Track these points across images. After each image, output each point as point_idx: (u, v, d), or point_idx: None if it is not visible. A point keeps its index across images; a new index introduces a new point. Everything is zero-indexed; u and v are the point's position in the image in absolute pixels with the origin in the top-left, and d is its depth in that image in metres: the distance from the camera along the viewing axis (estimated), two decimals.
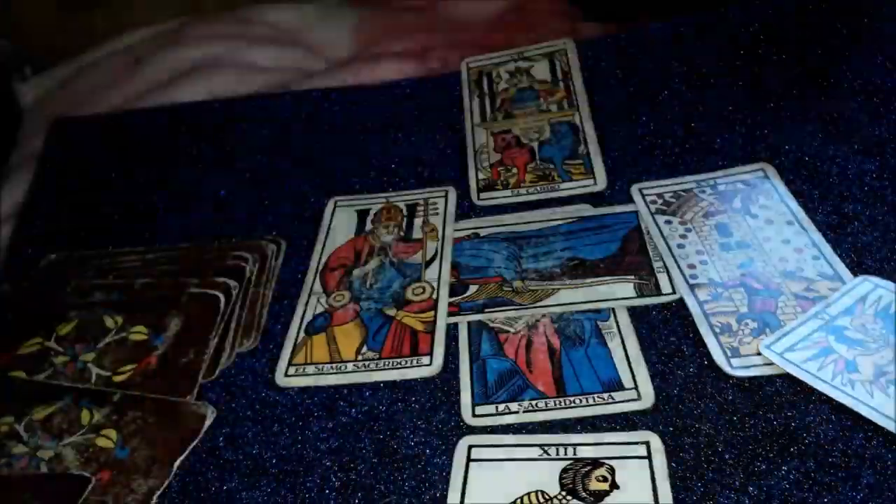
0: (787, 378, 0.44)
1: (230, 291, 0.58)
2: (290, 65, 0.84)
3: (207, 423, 0.48)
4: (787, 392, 0.43)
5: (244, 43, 0.85)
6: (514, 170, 0.65)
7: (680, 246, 0.54)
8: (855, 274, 0.49)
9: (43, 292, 0.62)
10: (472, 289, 0.55)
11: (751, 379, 0.44)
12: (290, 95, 0.75)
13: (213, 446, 0.48)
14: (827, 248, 0.51)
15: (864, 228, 0.53)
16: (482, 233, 0.60)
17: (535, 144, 0.67)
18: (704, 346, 0.47)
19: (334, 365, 0.52)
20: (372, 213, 0.64)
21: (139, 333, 0.56)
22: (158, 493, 0.45)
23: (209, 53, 0.83)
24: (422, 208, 0.63)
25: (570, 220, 0.59)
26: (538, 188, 0.63)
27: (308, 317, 0.56)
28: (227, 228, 0.66)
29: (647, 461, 0.41)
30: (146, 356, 0.54)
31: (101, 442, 0.48)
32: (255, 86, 0.81)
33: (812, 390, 0.43)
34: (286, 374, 0.52)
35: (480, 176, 0.65)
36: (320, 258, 0.61)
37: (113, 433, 0.48)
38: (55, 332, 0.57)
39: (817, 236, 0.53)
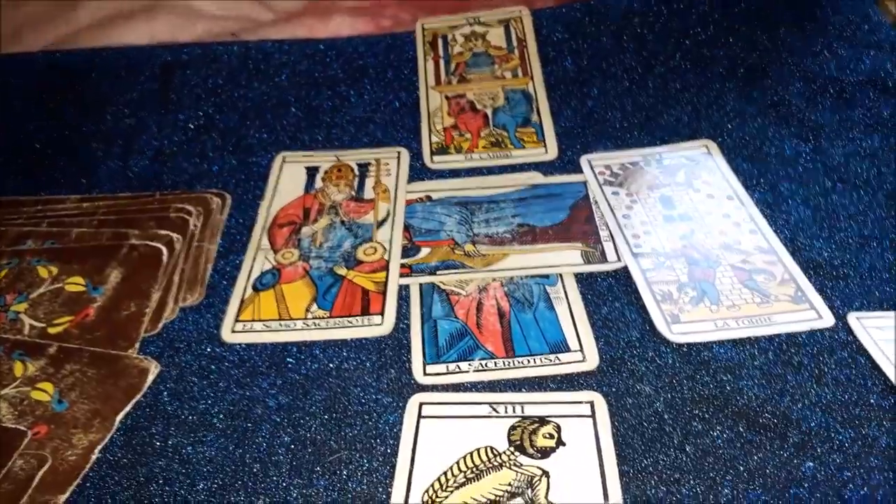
0: (723, 345, 0.46)
1: (173, 244, 0.57)
2: (235, 13, 0.81)
3: (151, 377, 0.47)
4: (722, 358, 0.45)
5: None
6: (468, 135, 0.65)
7: (625, 216, 0.56)
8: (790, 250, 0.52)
9: None
10: (424, 251, 0.55)
11: (689, 345, 0.46)
12: (239, 44, 0.73)
13: (156, 401, 0.47)
14: (763, 223, 0.54)
15: (798, 207, 0.56)
16: (434, 196, 0.60)
17: (489, 110, 0.67)
18: (647, 312, 0.49)
19: (283, 322, 0.51)
20: (321, 170, 0.63)
21: (76, 284, 0.54)
22: (100, 447, 0.43)
23: None
24: (373, 168, 0.63)
25: (522, 187, 0.60)
26: (491, 154, 0.63)
27: (255, 273, 0.55)
28: (168, 179, 0.64)
29: (591, 420, 0.42)
30: (84, 308, 0.53)
31: (37, 395, 0.46)
32: (199, 33, 0.78)
33: (745, 357, 0.45)
34: (233, 330, 0.51)
35: (434, 139, 0.65)
36: (267, 214, 0.60)
37: (49, 386, 0.46)
38: None
39: (755, 211, 0.55)
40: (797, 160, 0.59)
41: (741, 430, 0.41)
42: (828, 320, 0.47)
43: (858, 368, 0.44)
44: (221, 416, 0.46)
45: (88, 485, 0.43)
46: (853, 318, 0.47)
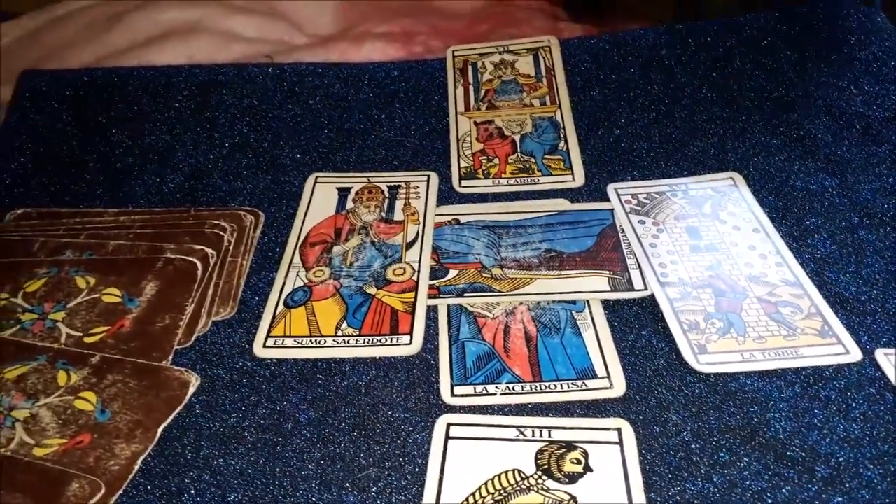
0: (749, 376, 0.47)
1: (208, 259, 0.58)
2: (270, 36, 0.83)
3: (192, 389, 0.48)
4: (749, 390, 0.46)
5: (224, 10, 0.84)
6: (496, 160, 0.67)
7: (652, 245, 0.57)
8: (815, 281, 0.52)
9: (9, 248, 0.60)
10: (452, 273, 0.56)
11: (716, 375, 0.47)
12: (274, 67, 0.74)
13: (188, 412, 0.48)
14: (790, 256, 0.55)
15: (824, 241, 0.56)
16: (462, 219, 0.61)
17: (517, 137, 0.69)
18: (673, 341, 0.49)
19: (313, 339, 0.52)
20: (353, 191, 0.65)
21: (112, 295, 0.55)
22: (142, 457, 0.44)
23: (188, 17, 0.82)
24: (403, 191, 0.64)
25: (549, 213, 0.61)
26: (518, 180, 0.64)
27: (287, 290, 0.56)
28: (202, 196, 0.65)
29: (618, 447, 0.43)
30: (119, 319, 0.54)
31: (80, 404, 0.47)
32: (234, 55, 0.80)
33: (772, 390, 0.46)
34: (264, 345, 0.52)
35: (462, 164, 0.66)
36: (300, 232, 0.61)
37: (92, 396, 0.47)
38: (22, 289, 0.56)
39: (781, 244, 0.56)
40: (823, 195, 0.60)
41: (769, 462, 0.41)
42: (855, 355, 0.47)
43: (886, 405, 0.44)
44: (252, 429, 0.47)
45: (120, 492, 0.43)
46: (881, 354, 0.47)
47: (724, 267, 0.54)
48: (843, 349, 0.48)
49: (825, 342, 0.48)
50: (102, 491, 0.43)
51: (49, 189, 0.66)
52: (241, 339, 0.53)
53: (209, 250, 0.58)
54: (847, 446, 0.42)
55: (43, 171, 0.67)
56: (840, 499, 0.39)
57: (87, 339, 0.52)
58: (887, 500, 0.39)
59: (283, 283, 0.57)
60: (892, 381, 0.45)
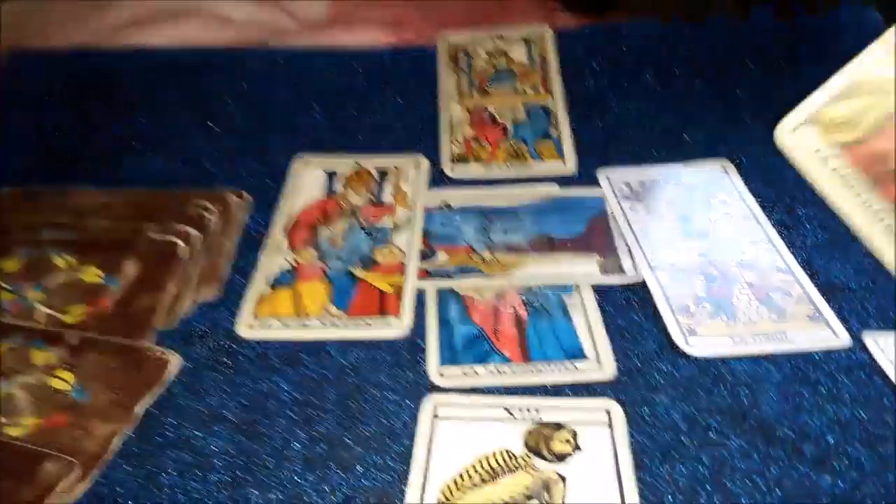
0: (739, 360, 0.46)
1: (190, 239, 0.57)
2: (262, 21, 0.82)
3: (172, 369, 0.47)
4: (739, 372, 0.45)
5: None
6: (487, 146, 0.66)
7: (643, 231, 0.56)
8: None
9: None
10: (441, 256, 0.56)
11: (706, 359, 0.46)
12: (268, 51, 0.74)
13: (169, 392, 0.47)
14: (780, 244, 0.54)
15: (815, 230, 0.56)
16: (453, 204, 0.60)
17: (509, 123, 0.68)
18: (663, 325, 0.49)
19: (299, 320, 0.51)
20: (339, 174, 0.64)
21: (92, 275, 0.54)
22: (119, 437, 0.43)
23: (181, 0, 0.81)
24: (393, 174, 0.63)
25: (540, 199, 0.60)
26: (509, 165, 0.64)
27: (273, 271, 0.55)
28: (189, 178, 0.64)
29: (607, 427, 0.42)
30: (99, 299, 0.53)
31: (57, 384, 0.46)
32: (225, 38, 0.79)
33: (762, 373, 0.45)
34: (249, 326, 0.51)
35: (454, 149, 0.66)
36: (287, 215, 0.60)
37: (69, 375, 0.46)
38: None
39: (772, 232, 0.55)
40: (812, 185, 0.60)
41: (758, 443, 0.41)
42: (844, 340, 0.47)
43: (875, 388, 0.44)
44: (235, 409, 0.46)
45: (97, 472, 0.42)
46: (869, 338, 0.47)
47: (714, 253, 0.54)
48: (832, 334, 0.47)
49: (815, 327, 0.48)
50: (78, 471, 0.42)
51: (33, 171, 0.64)
52: (224, 320, 0.52)
53: (192, 230, 0.57)
54: (837, 428, 0.41)
55: (27, 152, 0.66)
56: (829, 478, 0.39)
57: (67, 319, 0.51)
58: (876, 480, 0.38)
59: (269, 264, 0.56)
60: (880, 365, 0.45)
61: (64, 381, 0.46)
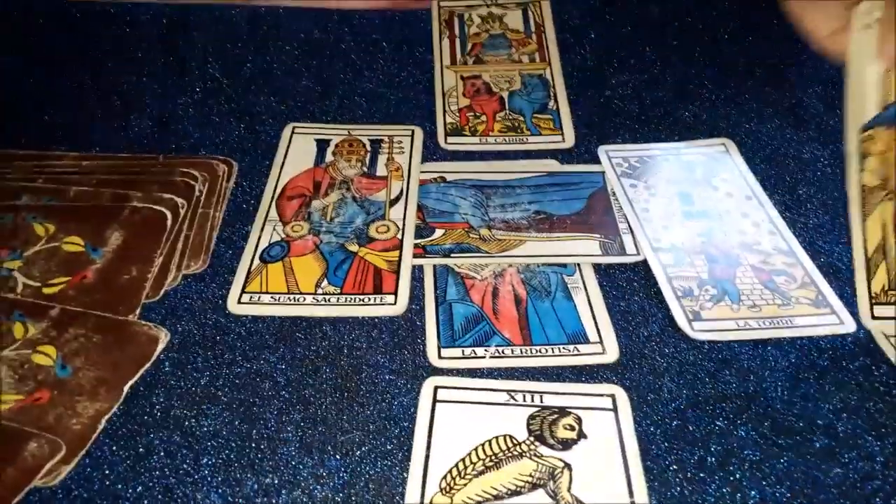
0: (744, 345, 0.46)
1: (177, 209, 0.54)
2: None
3: (161, 346, 0.45)
4: (744, 358, 0.45)
5: None
6: (483, 117, 0.64)
7: (644, 210, 0.55)
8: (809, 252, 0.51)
9: None
10: (438, 232, 0.54)
11: (710, 343, 0.46)
12: (249, 8, 0.70)
13: (157, 370, 0.45)
14: (782, 225, 0.54)
15: (817, 211, 0.55)
16: (449, 177, 0.59)
17: (506, 94, 0.66)
18: (667, 307, 0.48)
19: (292, 296, 0.49)
20: (332, 144, 0.61)
21: (74, 244, 0.52)
22: (106, 417, 0.41)
23: None
24: (386, 145, 0.61)
25: (538, 174, 0.59)
26: (506, 139, 0.62)
27: (263, 244, 0.53)
28: (171, 143, 0.61)
29: (613, 413, 0.41)
30: (82, 269, 0.50)
31: (39, 359, 0.44)
32: None
33: (768, 359, 0.45)
34: (239, 301, 0.49)
35: (448, 120, 0.64)
36: (276, 185, 0.58)
37: (52, 350, 0.44)
38: None
39: (774, 213, 0.55)
40: (815, 164, 0.59)
41: (766, 431, 0.40)
42: (849, 326, 0.46)
43: (882, 376, 0.43)
44: (227, 388, 0.44)
45: (83, 453, 0.41)
46: (874, 324, 0.46)
47: (716, 234, 0.53)
48: (837, 319, 0.47)
49: (819, 312, 0.47)
50: (63, 451, 0.40)
51: (4, 130, 0.61)
52: (214, 295, 0.50)
53: (179, 199, 0.55)
54: (845, 417, 0.41)
55: None
56: (839, 470, 0.39)
57: (46, 290, 0.49)
58: (886, 473, 0.38)
59: (259, 237, 0.53)
60: (885, 353, 0.44)
61: (47, 357, 0.44)
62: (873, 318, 0.46)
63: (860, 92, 0.43)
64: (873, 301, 0.46)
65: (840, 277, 0.50)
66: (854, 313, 0.47)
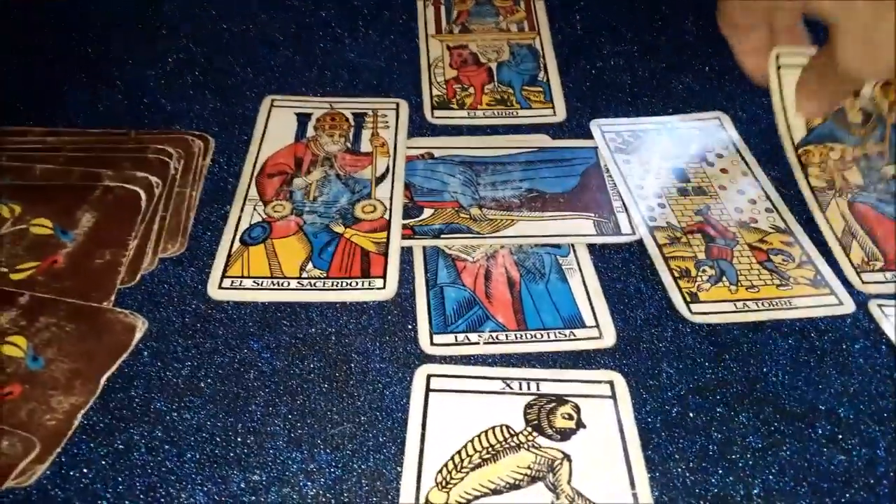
0: (743, 327, 0.45)
1: (152, 188, 0.52)
2: None
3: (138, 335, 0.43)
4: (743, 341, 0.44)
5: None
6: (471, 89, 0.62)
7: (639, 187, 0.54)
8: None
9: None
10: (428, 212, 0.52)
11: (710, 325, 0.45)
12: None
13: (135, 360, 0.43)
14: (780, 202, 0.52)
15: None
16: (436, 154, 0.56)
17: (494, 65, 0.64)
18: (664, 289, 0.47)
19: (275, 280, 0.47)
20: (314, 118, 0.59)
21: (42, 227, 0.49)
22: (83, 411, 0.39)
23: None
24: (370, 119, 0.59)
25: (529, 150, 0.57)
26: (495, 112, 0.60)
27: (243, 225, 0.51)
28: (143, 117, 0.58)
29: (612, 400, 0.40)
30: (51, 254, 0.48)
31: (8, 350, 0.41)
32: None
33: (767, 341, 0.44)
34: (220, 286, 0.47)
35: (435, 92, 0.61)
36: (255, 161, 0.55)
37: (21, 341, 0.42)
38: None
39: (770, 189, 0.53)
40: None
41: (768, 417, 0.40)
42: (848, 306, 0.45)
43: (882, 359, 0.43)
44: (210, 379, 0.42)
45: (59, 450, 0.39)
46: (874, 306, 0.46)
47: (713, 211, 0.52)
48: (836, 300, 0.46)
49: (818, 292, 0.46)
50: (38, 449, 0.38)
51: None
52: (193, 280, 0.47)
53: (154, 178, 0.52)
54: (846, 402, 0.40)
55: None
56: (842, 457, 0.38)
57: (14, 276, 0.46)
58: (890, 459, 0.38)
59: (239, 218, 0.51)
60: (886, 333, 0.43)
61: (16, 347, 0.42)
62: (862, 283, 0.47)
63: (786, 115, 0.49)
64: (858, 270, 0.47)
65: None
66: (852, 293, 0.46)
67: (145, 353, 0.43)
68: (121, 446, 0.39)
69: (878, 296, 0.46)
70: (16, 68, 0.60)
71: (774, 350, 0.43)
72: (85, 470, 0.38)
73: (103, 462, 0.38)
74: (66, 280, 0.46)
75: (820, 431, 0.39)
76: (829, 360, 0.43)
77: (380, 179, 0.54)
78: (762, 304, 0.46)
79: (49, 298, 0.44)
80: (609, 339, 0.44)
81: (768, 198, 0.53)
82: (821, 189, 0.50)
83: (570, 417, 0.39)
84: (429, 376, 0.42)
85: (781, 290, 0.46)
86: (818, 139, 0.50)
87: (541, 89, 0.61)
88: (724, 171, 0.55)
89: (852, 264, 0.48)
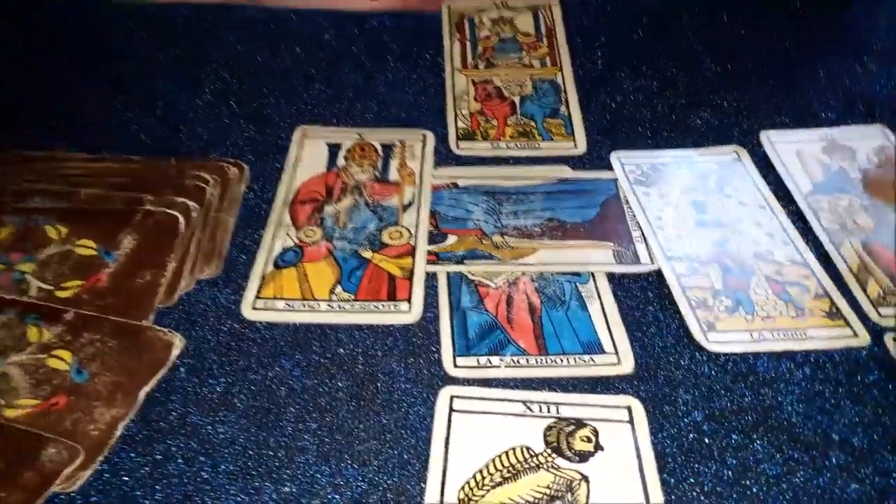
0: (759, 356, 0.46)
1: (190, 213, 0.54)
2: None
3: (176, 351, 0.45)
4: (759, 370, 0.45)
5: None
6: (494, 122, 0.64)
7: (658, 218, 0.55)
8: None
9: None
10: (451, 239, 0.54)
11: (726, 354, 0.46)
12: (260, 9, 0.70)
13: (173, 376, 0.45)
14: (796, 235, 0.54)
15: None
16: (461, 183, 0.58)
17: (517, 98, 0.66)
18: (681, 318, 0.48)
19: (306, 302, 0.49)
20: (344, 148, 0.61)
21: (87, 248, 0.52)
22: (123, 423, 0.41)
23: None
24: (398, 150, 0.61)
25: (551, 180, 0.59)
26: (518, 144, 0.62)
27: (276, 249, 0.53)
28: (181, 145, 0.61)
29: (629, 425, 0.42)
30: (95, 273, 0.50)
31: (54, 363, 0.43)
32: None
33: (783, 371, 0.45)
34: (254, 307, 0.49)
35: (460, 124, 0.63)
36: (288, 189, 0.58)
37: (67, 355, 0.44)
38: None
39: (787, 223, 0.55)
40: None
41: (783, 446, 0.41)
42: (863, 339, 0.47)
43: None
44: (243, 395, 0.44)
45: (101, 458, 0.41)
46: (889, 339, 0.47)
47: (730, 243, 0.53)
48: (851, 332, 0.47)
49: (834, 324, 0.48)
50: (82, 456, 0.40)
51: (9, 132, 0.60)
52: (227, 300, 0.50)
53: (191, 203, 0.55)
54: (860, 432, 0.41)
55: (10, 110, 0.62)
56: (856, 486, 0.39)
57: (60, 294, 0.49)
58: None
59: (272, 242, 0.53)
60: None
61: (62, 361, 0.44)
62: (880, 316, 0.48)
63: None
64: (875, 304, 0.49)
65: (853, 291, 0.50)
66: (867, 325, 0.47)
67: (182, 369, 0.45)
68: (159, 457, 0.41)
69: (893, 328, 0.47)
70: (64, 99, 0.63)
71: (790, 380, 0.44)
72: (126, 478, 0.40)
73: (142, 471, 0.40)
74: (108, 298, 0.49)
75: (834, 460, 0.40)
76: (842, 391, 0.44)
77: (406, 207, 0.56)
78: (778, 334, 0.47)
79: (92, 316, 0.47)
80: (627, 365, 0.45)
81: (785, 230, 0.54)
82: (835, 231, 0.53)
83: (589, 440, 0.41)
84: (452, 397, 0.43)
85: (797, 321, 0.48)
86: (824, 191, 0.54)
87: (562, 122, 0.63)
88: (741, 203, 0.57)
89: (869, 298, 0.49)
